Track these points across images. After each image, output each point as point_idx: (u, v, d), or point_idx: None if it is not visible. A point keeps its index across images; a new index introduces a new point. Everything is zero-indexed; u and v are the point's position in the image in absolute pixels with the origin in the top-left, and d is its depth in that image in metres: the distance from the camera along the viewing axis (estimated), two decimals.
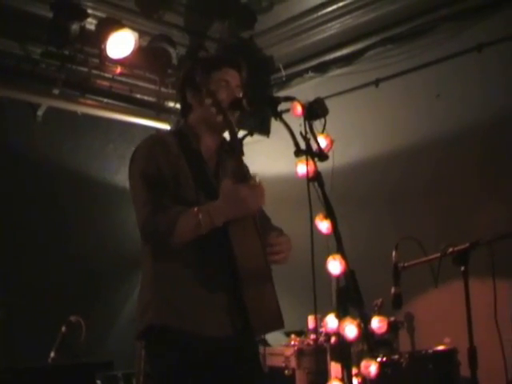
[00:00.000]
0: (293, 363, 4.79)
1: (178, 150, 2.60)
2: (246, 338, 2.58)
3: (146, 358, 2.62)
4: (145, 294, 2.59)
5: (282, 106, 2.61)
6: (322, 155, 2.47)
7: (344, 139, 5.20)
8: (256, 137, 6.46)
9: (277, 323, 2.64)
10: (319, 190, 2.37)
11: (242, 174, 2.54)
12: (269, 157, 6.03)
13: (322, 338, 4.58)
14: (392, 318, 4.57)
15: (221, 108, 2.57)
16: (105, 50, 5.16)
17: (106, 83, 5.66)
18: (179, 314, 2.49)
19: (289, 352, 4.83)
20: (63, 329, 4.53)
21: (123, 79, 5.76)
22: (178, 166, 2.57)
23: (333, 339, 4.46)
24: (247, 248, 2.52)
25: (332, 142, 4.51)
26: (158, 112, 6.04)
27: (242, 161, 2.58)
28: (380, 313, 4.49)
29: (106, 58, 5.27)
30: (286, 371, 4.81)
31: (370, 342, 2.55)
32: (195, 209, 2.40)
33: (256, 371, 2.71)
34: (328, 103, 4.97)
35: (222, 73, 2.67)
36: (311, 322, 4.88)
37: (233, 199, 2.42)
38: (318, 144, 2.54)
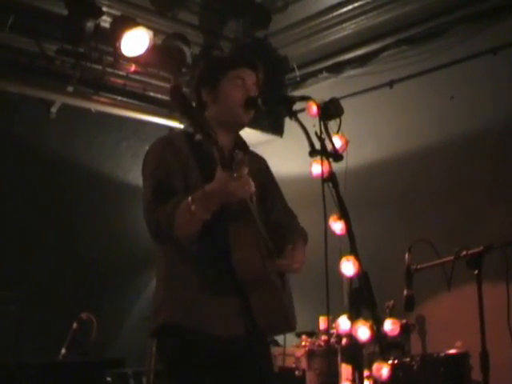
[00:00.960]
0: (303, 364, 4.79)
1: (188, 151, 2.60)
2: (257, 338, 2.59)
3: (157, 356, 2.61)
4: (158, 294, 2.61)
5: (296, 106, 2.60)
6: (336, 156, 2.46)
7: (358, 140, 5.19)
8: (269, 136, 6.46)
9: (284, 326, 2.65)
10: (333, 191, 2.35)
11: (230, 161, 2.40)
12: (282, 157, 6.01)
13: (333, 340, 4.58)
14: (403, 321, 4.56)
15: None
16: (119, 47, 5.16)
17: (119, 81, 5.66)
18: (191, 314, 2.50)
19: (299, 353, 4.83)
20: (74, 325, 4.54)
21: (137, 77, 5.76)
22: (188, 167, 2.57)
23: (344, 341, 4.45)
24: (247, 253, 2.49)
25: (347, 143, 4.49)
26: (172, 110, 6.04)
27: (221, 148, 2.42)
28: (391, 315, 4.48)
29: (121, 55, 5.27)
30: (297, 372, 4.80)
31: (382, 345, 2.53)
32: (189, 199, 2.37)
33: (267, 371, 2.71)
34: (342, 104, 4.96)
35: (239, 71, 2.67)
36: (322, 323, 4.88)
37: (223, 189, 2.36)
38: (333, 144, 2.52)
